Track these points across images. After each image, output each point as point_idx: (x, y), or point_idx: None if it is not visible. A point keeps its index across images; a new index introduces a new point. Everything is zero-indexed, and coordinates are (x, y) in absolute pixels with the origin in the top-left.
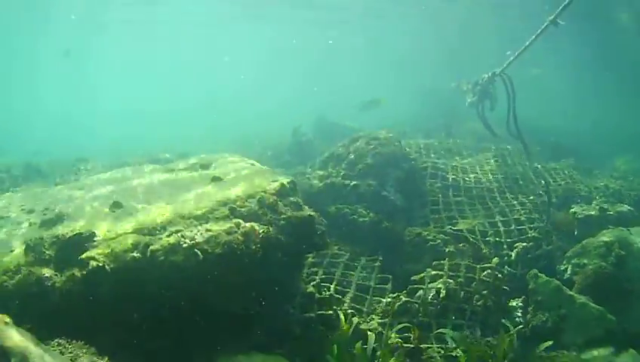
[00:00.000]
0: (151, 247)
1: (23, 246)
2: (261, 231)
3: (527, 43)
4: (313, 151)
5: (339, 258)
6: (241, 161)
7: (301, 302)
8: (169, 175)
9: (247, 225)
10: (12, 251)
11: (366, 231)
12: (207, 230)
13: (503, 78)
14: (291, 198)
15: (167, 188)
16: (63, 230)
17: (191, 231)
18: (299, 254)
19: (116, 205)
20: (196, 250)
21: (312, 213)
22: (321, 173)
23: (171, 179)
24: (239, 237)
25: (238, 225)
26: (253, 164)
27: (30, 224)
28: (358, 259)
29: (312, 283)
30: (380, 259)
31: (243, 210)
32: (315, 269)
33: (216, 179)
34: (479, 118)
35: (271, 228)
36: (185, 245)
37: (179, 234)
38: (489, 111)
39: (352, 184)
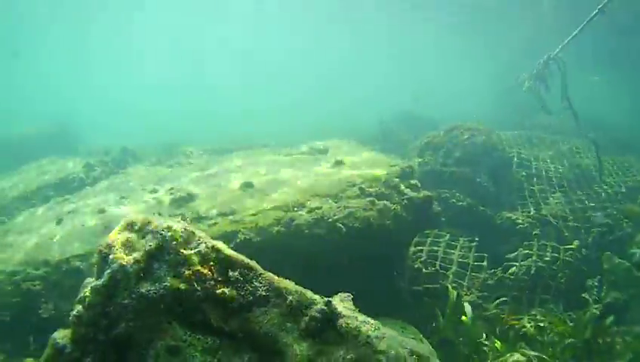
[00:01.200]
0: (295, 222)
1: None
2: (392, 208)
3: (577, 30)
4: (398, 139)
5: (440, 238)
6: (354, 146)
7: (410, 276)
8: (290, 158)
9: (381, 203)
10: None
11: (463, 213)
12: (346, 207)
13: (557, 61)
14: (411, 181)
15: (292, 170)
16: (201, 207)
17: (330, 208)
18: (417, 231)
19: (247, 185)
20: (339, 224)
21: (431, 194)
22: (419, 159)
23: (294, 163)
24: (375, 213)
25: (373, 203)
26: (364, 148)
27: (158, 202)
28: (457, 239)
29: (419, 260)
30: (477, 239)
31: (371, 190)
32: (420, 248)
33: (339, 163)
34: (535, 99)
35: (399, 207)
36: (329, 220)
37: (321, 210)
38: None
39: (450, 171)
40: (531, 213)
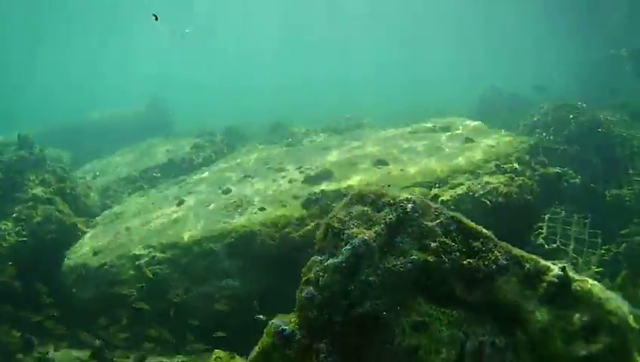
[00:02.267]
0: (441, 198)
1: (300, 201)
2: (530, 183)
3: None
4: (498, 117)
5: (557, 214)
6: (474, 123)
7: (532, 253)
8: (416, 136)
9: (519, 178)
10: (285, 206)
11: (575, 191)
12: (487, 183)
13: None
14: (539, 157)
15: (422, 147)
16: (340, 184)
17: (472, 184)
18: (548, 206)
19: (381, 162)
20: (484, 199)
21: (559, 170)
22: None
23: (422, 140)
24: (515, 188)
25: (512, 179)
26: (489, 127)
27: (289, 180)
28: (571, 216)
29: (541, 236)
30: (589, 215)
31: (506, 166)
32: (540, 224)
33: (468, 140)
34: None
35: (534, 183)
36: (475, 195)
37: (464, 186)
38: None
39: (561, 148)
40: (636, 190)
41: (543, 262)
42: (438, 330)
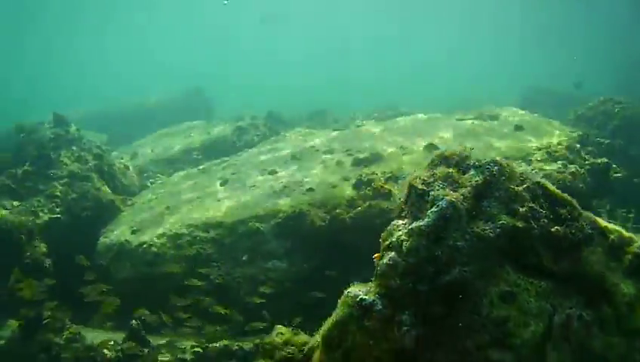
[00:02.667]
0: None
1: (350, 183)
2: (582, 172)
3: None
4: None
5: (601, 208)
6: (523, 112)
7: None
8: (465, 123)
9: (572, 166)
10: (334, 187)
11: (619, 184)
12: (541, 169)
13: None
14: (588, 147)
15: (474, 133)
16: (392, 167)
17: (525, 170)
18: (598, 196)
19: (432, 146)
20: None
21: (609, 161)
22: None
23: (472, 126)
24: (568, 176)
25: (565, 166)
26: (536, 116)
27: (337, 163)
28: (615, 210)
29: None
30: (633, 210)
31: (557, 154)
32: None
33: (518, 128)
34: None
35: (585, 171)
36: None
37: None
38: None
39: (606, 142)
40: None
41: (626, 233)
42: (527, 301)
